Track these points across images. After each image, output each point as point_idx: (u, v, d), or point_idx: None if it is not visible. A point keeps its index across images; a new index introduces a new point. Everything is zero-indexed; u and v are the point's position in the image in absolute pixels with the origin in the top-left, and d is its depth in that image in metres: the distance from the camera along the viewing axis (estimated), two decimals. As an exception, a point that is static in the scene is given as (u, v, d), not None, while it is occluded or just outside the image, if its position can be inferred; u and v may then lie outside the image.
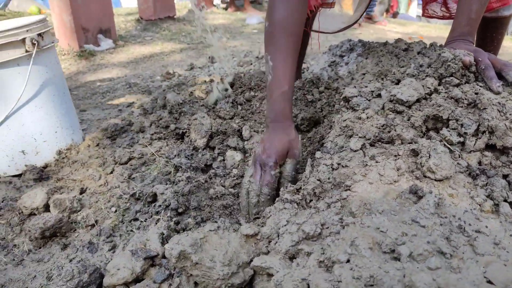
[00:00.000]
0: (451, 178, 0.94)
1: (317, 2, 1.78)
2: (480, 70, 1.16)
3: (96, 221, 1.25)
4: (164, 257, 1.00)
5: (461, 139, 1.02)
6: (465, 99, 1.06)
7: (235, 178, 1.34)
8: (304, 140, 1.50)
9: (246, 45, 4.31)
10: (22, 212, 1.29)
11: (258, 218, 1.09)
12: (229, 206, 1.17)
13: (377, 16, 5.59)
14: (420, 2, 1.98)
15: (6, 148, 1.51)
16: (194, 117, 1.57)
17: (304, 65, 2.67)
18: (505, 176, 0.99)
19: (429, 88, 1.12)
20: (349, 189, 0.96)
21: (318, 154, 1.16)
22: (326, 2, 1.81)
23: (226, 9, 6.95)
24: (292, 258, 0.86)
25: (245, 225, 0.99)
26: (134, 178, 1.41)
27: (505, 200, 0.91)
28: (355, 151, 1.06)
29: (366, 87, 1.24)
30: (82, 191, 1.41)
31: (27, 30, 1.43)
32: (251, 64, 3.37)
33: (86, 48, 3.86)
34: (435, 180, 0.93)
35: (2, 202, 1.38)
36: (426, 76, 1.16)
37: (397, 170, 0.96)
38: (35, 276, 1.08)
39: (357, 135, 1.09)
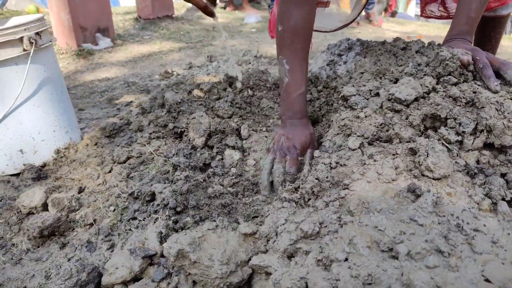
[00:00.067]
0: (449, 177, 0.94)
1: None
2: (478, 69, 1.16)
3: (95, 220, 1.25)
4: (162, 256, 1.00)
5: (459, 138, 1.03)
6: (463, 98, 1.07)
7: (233, 177, 1.34)
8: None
9: (245, 44, 4.31)
10: (20, 211, 1.29)
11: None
12: (228, 205, 1.17)
13: (374, 14, 5.59)
14: (419, 2, 1.98)
15: (4, 147, 1.51)
16: (193, 116, 1.57)
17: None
18: (503, 175, 1.00)
19: (427, 87, 1.12)
20: (347, 188, 0.97)
21: (316, 153, 1.16)
22: (321, 1, 1.81)
23: (224, 8, 6.94)
24: (290, 256, 0.86)
25: (244, 224, 0.99)
26: (132, 177, 1.41)
27: (503, 199, 0.92)
28: (354, 150, 1.06)
29: (364, 86, 1.24)
30: (81, 190, 1.41)
31: (25, 29, 1.42)
32: (250, 63, 3.37)
33: (84, 47, 3.85)
34: (433, 178, 0.94)
35: (1, 201, 1.37)
36: (424, 75, 1.16)
37: (395, 169, 0.96)
38: (33, 275, 1.08)
39: (356, 134, 1.09)
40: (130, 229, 1.20)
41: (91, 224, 1.24)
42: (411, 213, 0.81)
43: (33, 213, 1.28)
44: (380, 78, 1.32)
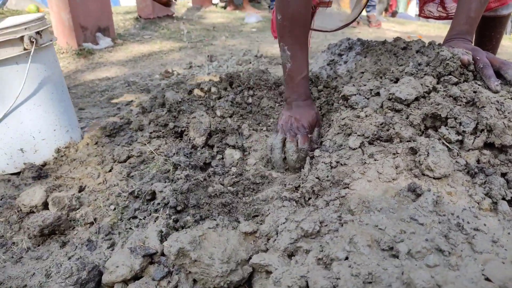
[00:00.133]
0: (449, 176, 0.94)
1: (314, 1, 1.78)
2: (478, 69, 1.16)
3: (95, 219, 1.25)
4: (163, 254, 1.00)
5: (460, 138, 1.03)
6: (464, 97, 1.07)
7: (234, 176, 1.34)
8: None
9: (245, 44, 4.31)
10: (21, 210, 1.29)
11: (298, 171, 1.30)
12: (228, 204, 1.17)
13: (374, 17, 5.59)
14: (418, 1, 1.98)
15: (5, 146, 1.51)
16: (193, 116, 1.57)
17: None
18: (503, 174, 1.00)
19: (427, 86, 1.12)
20: (348, 187, 0.97)
21: (317, 152, 1.16)
22: (323, 1, 1.81)
23: (225, 7, 6.94)
24: (291, 255, 0.86)
25: (244, 222, 0.99)
26: (133, 176, 1.41)
27: (503, 198, 0.92)
28: (354, 149, 1.06)
29: (364, 85, 1.24)
30: (81, 189, 1.41)
31: (25, 28, 1.43)
32: (250, 63, 3.37)
33: (85, 47, 3.85)
34: (434, 178, 0.94)
35: (1, 200, 1.38)
36: (425, 74, 1.16)
37: (396, 168, 0.96)
38: (34, 274, 1.08)
39: (356, 133, 1.09)
40: (130, 228, 1.20)
41: (92, 223, 1.24)
42: (411, 212, 0.81)
43: (33, 212, 1.28)
44: (381, 77, 1.32)
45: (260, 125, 1.62)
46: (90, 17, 3.95)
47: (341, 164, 1.04)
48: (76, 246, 1.16)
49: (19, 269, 1.11)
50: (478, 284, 0.65)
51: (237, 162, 1.45)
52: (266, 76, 1.86)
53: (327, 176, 1.03)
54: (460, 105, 1.07)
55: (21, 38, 1.41)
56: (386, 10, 8.58)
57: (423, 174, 0.95)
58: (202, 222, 1.07)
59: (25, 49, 1.43)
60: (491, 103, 1.03)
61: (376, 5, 8.35)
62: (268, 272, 0.85)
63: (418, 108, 1.10)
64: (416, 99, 1.11)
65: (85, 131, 1.88)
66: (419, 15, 1.98)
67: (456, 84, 1.13)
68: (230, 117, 1.64)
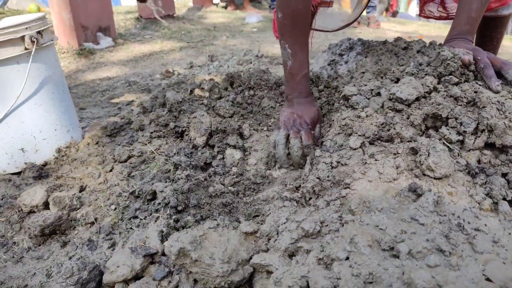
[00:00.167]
0: (450, 176, 0.94)
1: (315, 1, 1.79)
2: (479, 69, 1.16)
3: (96, 219, 1.26)
4: (163, 254, 1.00)
5: (460, 138, 1.03)
6: (465, 97, 1.07)
7: (234, 176, 1.34)
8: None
9: (246, 44, 4.31)
10: (21, 209, 1.29)
11: (302, 166, 1.33)
12: (229, 204, 1.17)
13: (374, 18, 5.58)
14: (419, 2, 1.98)
15: (6, 146, 1.51)
16: (194, 116, 1.57)
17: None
18: (504, 175, 1.00)
19: (428, 86, 1.12)
20: (349, 187, 0.97)
21: (317, 152, 1.16)
22: (324, 1, 1.81)
23: (225, 7, 6.94)
24: (291, 255, 0.86)
25: (245, 222, 0.99)
26: (133, 176, 1.41)
27: (504, 199, 0.92)
28: (355, 149, 1.06)
29: (365, 85, 1.24)
30: (82, 189, 1.41)
31: (26, 28, 1.43)
32: (251, 62, 3.37)
33: (86, 46, 3.86)
34: (434, 178, 0.94)
35: (2, 199, 1.38)
36: (426, 74, 1.16)
37: (397, 168, 0.96)
38: (34, 273, 1.08)
39: (357, 133, 1.09)
40: (131, 228, 1.20)
41: (92, 223, 1.24)
42: (412, 213, 0.81)
43: (34, 212, 1.28)
44: (381, 77, 1.32)
45: (261, 125, 1.62)
46: (91, 17, 3.95)
47: (342, 164, 1.04)
48: (77, 246, 1.16)
49: (20, 269, 1.11)
50: (478, 284, 0.65)
51: (238, 162, 1.45)
52: (267, 76, 1.86)
53: (328, 176, 1.03)
54: (461, 105, 1.07)
55: (22, 37, 1.41)
56: (386, 10, 8.58)
57: (424, 174, 0.95)
58: (203, 222, 1.07)
59: (26, 48, 1.43)
60: (492, 103, 1.03)
61: (377, 6, 8.34)
62: (269, 272, 0.85)
63: (419, 108, 1.10)
64: (417, 99, 1.11)
65: (86, 131, 1.88)
66: (420, 15, 1.97)
67: (457, 84, 1.13)
68: (231, 117, 1.64)
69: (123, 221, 1.23)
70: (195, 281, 0.93)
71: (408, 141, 1.03)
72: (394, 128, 1.06)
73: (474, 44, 1.31)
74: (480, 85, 1.12)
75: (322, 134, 1.38)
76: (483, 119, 1.01)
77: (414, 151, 0.99)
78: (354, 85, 1.26)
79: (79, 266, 0.99)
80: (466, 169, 0.97)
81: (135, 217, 1.23)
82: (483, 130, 1.02)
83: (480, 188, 0.93)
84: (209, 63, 3.48)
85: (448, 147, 1.01)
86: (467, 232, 0.78)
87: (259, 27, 5.35)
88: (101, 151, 1.61)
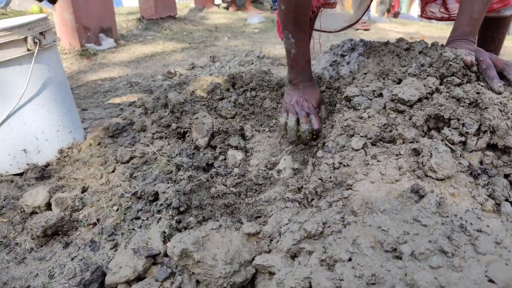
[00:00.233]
0: (452, 177, 0.94)
1: (319, 2, 1.79)
2: (481, 70, 1.16)
3: (98, 220, 1.26)
4: (166, 255, 1.01)
5: (463, 139, 1.03)
6: (467, 98, 1.06)
7: (236, 177, 1.34)
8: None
9: (248, 45, 4.31)
10: (24, 210, 1.29)
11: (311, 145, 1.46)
12: (231, 205, 1.17)
13: (362, 18, 5.58)
14: (420, 2, 1.97)
15: (8, 147, 1.51)
16: (196, 116, 1.58)
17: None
18: (506, 176, 0.99)
19: (430, 87, 1.12)
20: (351, 188, 0.97)
21: (319, 153, 1.16)
22: (328, 2, 1.81)
23: (227, 8, 6.95)
24: (294, 256, 0.86)
25: (247, 223, 1.00)
26: (135, 177, 1.41)
27: (507, 200, 0.91)
28: (357, 150, 1.06)
29: (367, 86, 1.24)
30: (84, 190, 1.42)
31: (29, 29, 1.43)
32: (252, 63, 3.37)
33: (88, 47, 3.86)
34: (437, 179, 0.94)
35: (4, 200, 1.38)
36: (428, 75, 1.16)
37: (399, 169, 0.96)
38: (37, 274, 1.09)
39: (359, 134, 1.09)
40: (133, 229, 1.20)
41: (95, 224, 1.25)
42: (414, 214, 0.81)
43: (36, 213, 1.28)
44: (383, 78, 1.32)
45: (263, 126, 1.62)
46: (93, 18, 3.96)
47: (344, 165, 1.04)
48: (79, 247, 1.16)
49: (22, 269, 1.11)
50: (481, 285, 0.65)
51: (240, 163, 1.45)
52: (269, 77, 1.86)
53: (330, 177, 1.03)
54: (463, 106, 1.07)
55: (25, 39, 1.42)
56: (388, 11, 8.57)
57: (426, 175, 0.95)
58: (205, 223, 1.08)
59: (28, 50, 1.44)
60: (494, 104, 1.03)
61: (378, 6, 8.34)
62: (271, 273, 0.85)
63: (421, 109, 1.10)
64: (419, 100, 1.11)
65: (88, 131, 1.88)
66: (421, 16, 1.97)
67: (459, 85, 1.13)
68: (233, 118, 1.64)
69: (125, 222, 1.23)
70: (198, 282, 0.93)
71: (410, 142, 1.03)
72: (396, 129, 1.06)
73: (476, 45, 1.30)
74: (482, 86, 1.12)
75: (328, 114, 1.51)
76: (485, 120, 1.01)
77: (417, 152, 0.99)
78: (356, 86, 1.26)
79: (82, 267, 0.99)
80: (469, 170, 0.97)
81: (137, 218, 1.23)
82: (485, 131, 1.02)
83: (483, 189, 0.93)
84: (211, 64, 3.48)
85: (450, 148, 1.01)
86: (470, 233, 0.78)
87: (261, 28, 5.35)
88: (103, 152, 1.61)
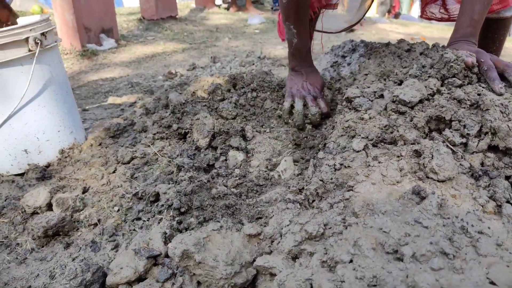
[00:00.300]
0: (453, 179, 0.94)
1: (320, 4, 1.79)
2: (482, 71, 1.16)
3: (99, 220, 1.26)
4: (167, 256, 1.01)
5: (464, 140, 1.03)
6: (468, 100, 1.06)
7: (237, 178, 1.34)
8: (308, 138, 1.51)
9: (248, 45, 4.32)
10: (25, 211, 1.29)
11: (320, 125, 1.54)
12: (232, 206, 1.17)
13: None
14: (420, 3, 1.98)
15: (9, 147, 1.52)
16: (197, 117, 1.58)
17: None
18: (507, 177, 0.99)
19: (431, 89, 1.12)
20: (352, 190, 0.97)
21: (320, 155, 1.16)
22: (329, 4, 1.82)
23: (228, 9, 6.95)
24: (295, 258, 0.86)
25: (248, 224, 1.00)
26: (136, 177, 1.42)
27: (508, 201, 0.91)
28: (358, 151, 1.06)
29: (368, 87, 1.24)
30: (85, 190, 1.42)
31: (31, 30, 1.43)
32: (253, 64, 3.37)
33: (89, 48, 3.87)
34: (438, 181, 0.94)
35: (5, 201, 1.38)
36: (429, 77, 1.16)
37: (400, 170, 0.96)
38: (38, 275, 1.09)
39: (360, 135, 1.09)
40: (134, 230, 1.20)
41: (95, 224, 1.25)
42: (415, 215, 0.81)
43: (37, 213, 1.28)
44: (385, 79, 1.32)
45: (264, 126, 1.62)
46: (94, 18, 3.97)
47: (345, 167, 1.04)
48: (80, 248, 1.16)
49: (23, 270, 1.11)
50: (482, 287, 0.65)
51: (241, 164, 1.45)
52: (270, 78, 1.86)
53: (331, 179, 1.03)
54: (464, 107, 1.07)
55: (26, 39, 1.42)
56: (389, 11, 8.58)
57: (427, 177, 0.95)
58: (206, 224, 1.08)
59: (30, 50, 1.44)
60: (495, 105, 1.03)
61: (378, 7, 8.34)
62: (272, 275, 0.85)
63: (422, 111, 1.10)
64: (420, 101, 1.11)
65: (89, 132, 1.88)
66: (421, 17, 1.97)
67: (460, 86, 1.13)
68: (234, 118, 1.64)
69: (126, 222, 1.23)
70: (199, 283, 0.93)
71: (412, 144, 1.03)
72: (398, 131, 1.06)
73: (477, 46, 1.30)
74: (483, 87, 1.12)
75: (331, 97, 1.65)
76: (486, 121, 1.01)
77: (418, 154, 0.99)
78: (357, 87, 1.26)
79: (83, 268, 0.99)
80: (470, 171, 0.97)
81: (138, 218, 1.23)
82: (486, 133, 1.02)
83: (484, 191, 0.93)
84: (212, 64, 3.48)
85: (451, 149, 1.01)
86: (471, 235, 0.78)
87: (262, 29, 5.35)
88: (104, 152, 1.61)
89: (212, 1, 6.96)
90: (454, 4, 1.78)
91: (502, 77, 1.14)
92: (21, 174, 1.57)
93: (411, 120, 1.09)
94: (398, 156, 1.01)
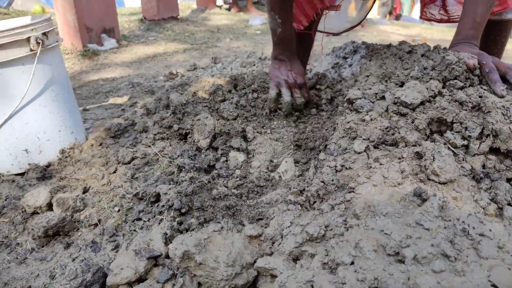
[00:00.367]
0: (455, 181, 0.94)
1: (323, 5, 1.79)
2: (484, 73, 1.16)
3: (99, 221, 1.26)
4: (167, 257, 1.00)
5: (465, 142, 1.02)
6: (469, 102, 1.06)
7: (238, 179, 1.34)
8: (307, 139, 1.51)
9: (249, 46, 4.32)
10: (25, 210, 1.29)
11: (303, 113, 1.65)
12: (232, 207, 1.17)
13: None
14: (420, 3, 1.97)
15: (10, 147, 1.51)
16: (198, 118, 1.58)
17: (307, 67, 2.67)
18: (509, 180, 0.99)
19: (433, 90, 1.12)
20: (353, 191, 0.96)
21: (321, 156, 1.16)
22: (333, 5, 1.82)
23: (229, 9, 6.96)
24: (295, 259, 0.86)
25: (249, 226, 0.99)
26: (137, 178, 1.41)
27: (509, 204, 0.91)
28: (359, 153, 1.06)
29: (370, 89, 1.24)
30: (85, 190, 1.42)
31: (32, 29, 1.43)
32: (254, 65, 3.37)
33: (90, 48, 3.87)
34: (439, 183, 0.93)
35: (5, 200, 1.38)
36: (430, 78, 1.16)
37: (401, 172, 0.96)
38: (38, 275, 1.08)
39: (361, 137, 1.09)
40: (134, 230, 1.20)
41: (96, 225, 1.24)
42: (417, 217, 0.81)
43: (37, 213, 1.28)
44: (386, 81, 1.32)
45: (264, 127, 1.62)
46: (95, 18, 3.97)
47: (346, 168, 1.04)
48: (81, 248, 1.16)
49: (23, 270, 1.11)
50: (484, 290, 0.65)
51: (241, 165, 1.45)
52: (271, 79, 1.86)
53: (332, 180, 1.02)
54: (466, 109, 1.07)
55: (28, 39, 1.42)
56: (390, 13, 8.58)
57: (429, 179, 0.95)
58: (206, 225, 1.08)
59: (31, 50, 1.44)
60: (497, 108, 1.03)
61: (380, 8, 8.34)
62: (273, 276, 0.85)
63: (423, 113, 1.10)
64: (422, 103, 1.11)
65: (90, 132, 1.88)
66: (421, 17, 1.96)
67: (461, 88, 1.13)
68: (235, 119, 1.64)
69: (126, 223, 1.23)
70: (199, 284, 0.93)
71: (413, 146, 1.03)
72: (399, 132, 1.06)
73: (478, 49, 1.30)
74: (485, 89, 1.12)
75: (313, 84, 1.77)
76: (488, 124, 1.01)
77: (419, 156, 0.99)
78: (359, 89, 1.26)
79: (83, 268, 0.99)
80: (471, 174, 0.97)
81: (139, 219, 1.23)
82: (488, 135, 1.02)
83: (485, 193, 0.93)
84: (213, 65, 3.48)
85: (453, 151, 1.01)
86: (472, 237, 0.77)
87: (263, 29, 5.35)
88: (104, 152, 1.61)
89: (213, 2, 6.97)
90: (454, 5, 1.78)
91: (504, 79, 1.14)
92: (22, 174, 1.57)
93: (412, 122, 1.09)
94: (399, 158, 1.00)
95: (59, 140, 1.62)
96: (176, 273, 0.96)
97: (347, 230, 0.83)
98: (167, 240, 1.05)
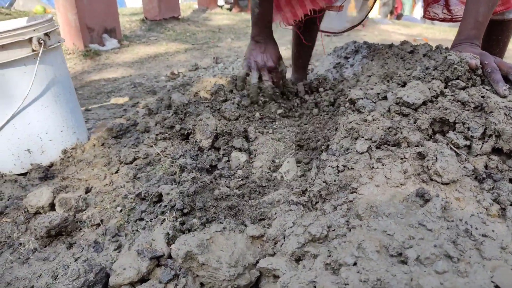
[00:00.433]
0: (457, 181, 0.94)
1: (315, 6, 1.80)
2: (486, 73, 1.16)
3: (102, 221, 1.26)
4: (170, 257, 1.00)
5: (468, 143, 1.02)
6: (472, 102, 1.06)
7: (240, 179, 1.34)
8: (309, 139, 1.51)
9: (250, 46, 4.31)
10: (27, 210, 1.29)
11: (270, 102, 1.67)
12: (234, 207, 1.17)
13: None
14: (423, 3, 1.97)
15: (12, 147, 1.52)
16: (199, 118, 1.58)
17: (309, 67, 2.67)
18: (511, 180, 0.99)
19: (435, 91, 1.12)
20: (355, 192, 0.96)
21: (323, 156, 1.16)
22: (335, 5, 1.82)
23: (230, 9, 6.96)
24: (298, 260, 0.86)
25: (251, 226, 0.99)
26: (139, 178, 1.41)
27: (512, 204, 0.91)
28: (361, 153, 1.06)
29: (371, 89, 1.24)
30: (88, 191, 1.42)
31: (34, 30, 1.43)
32: (256, 65, 3.36)
33: (91, 48, 3.87)
34: (442, 183, 0.93)
35: (8, 200, 1.38)
36: (432, 78, 1.16)
37: (404, 173, 0.96)
38: (41, 275, 1.09)
39: (363, 137, 1.09)
40: (137, 230, 1.20)
41: (98, 225, 1.25)
42: (419, 218, 0.81)
43: (40, 213, 1.28)
44: (388, 81, 1.32)
45: (266, 128, 1.62)
46: (97, 18, 3.97)
47: (348, 168, 1.04)
48: (83, 248, 1.16)
49: (26, 270, 1.11)
50: (487, 291, 0.65)
51: (243, 165, 1.45)
52: (272, 79, 1.86)
53: (335, 180, 1.02)
54: (468, 110, 1.06)
55: (30, 39, 1.42)
56: (391, 12, 8.57)
57: (431, 179, 0.95)
58: (209, 225, 1.08)
59: (33, 50, 1.44)
60: (500, 108, 1.03)
61: (381, 8, 8.34)
62: (276, 277, 0.85)
63: (425, 113, 1.10)
64: (424, 103, 1.11)
65: (92, 132, 1.89)
66: (424, 17, 1.97)
67: (464, 88, 1.13)
68: (236, 119, 1.64)
69: (129, 223, 1.23)
70: (202, 284, 0.93)
71: (415, 146, 1.03)
72: (401, 133, 1.06)
73: (480, 48, 1.30)
74: (487, 89, 1.12)
75: (286, 69, 1.75)
76: (490, 124, 1.01)
77: (422, 156, 0.99)
78: (361, 89, 1.26)
79: (86, 268, 0.99)
80: (474, 174, 0.97)
81: (141, 219, 1.23)
82: (490, 135, 1.02)
83: (488, 194, 0.93)
84: (214, 65, 3.49)
85: (455, 152, 1.01)
86: (475, 238, 0.77)
87: (264, 29, 5.34)
88: (106, 152, 1.61)
89: (214, 2, 6.97)
90: (457, 4, 1.78)
91: (506, 79, 1.14)
92: (24, 174, 1.57)
93: (414, 122, 1.09)
94: (401, 158, 1.00)
95: (61, 140, 1.62)
96: (179, 274, 0.96)
97: (350, 230, 0.83)
98: (170, 240, 1.05)
